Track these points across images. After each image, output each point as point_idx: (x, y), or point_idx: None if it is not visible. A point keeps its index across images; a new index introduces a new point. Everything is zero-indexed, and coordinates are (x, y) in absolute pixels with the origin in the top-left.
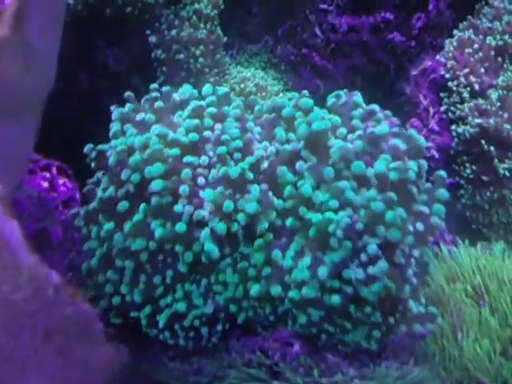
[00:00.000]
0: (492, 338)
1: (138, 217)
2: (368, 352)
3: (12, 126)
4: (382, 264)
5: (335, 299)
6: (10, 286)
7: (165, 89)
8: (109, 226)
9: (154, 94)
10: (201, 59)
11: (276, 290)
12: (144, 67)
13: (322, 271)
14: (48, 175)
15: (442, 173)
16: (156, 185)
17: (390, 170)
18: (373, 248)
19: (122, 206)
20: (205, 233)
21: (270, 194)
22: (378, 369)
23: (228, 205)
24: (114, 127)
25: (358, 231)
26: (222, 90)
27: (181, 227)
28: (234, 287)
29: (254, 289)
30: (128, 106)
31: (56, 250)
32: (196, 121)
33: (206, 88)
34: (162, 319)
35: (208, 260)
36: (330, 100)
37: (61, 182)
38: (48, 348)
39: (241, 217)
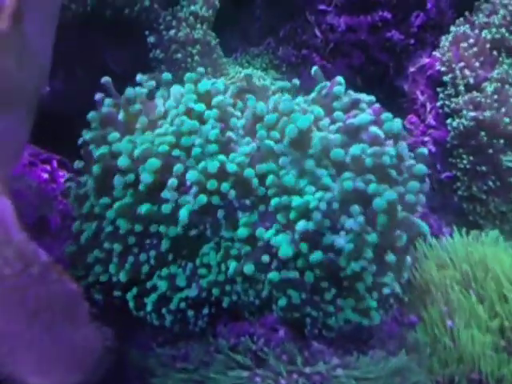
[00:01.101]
0: (482, 328)
1: (126, 199)
2: (354, 340)
3: (3, 118)
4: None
5: (317, 255)
6: (1, 261)
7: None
8: (105, 200)
9: (138, 90)
10: (196, 58)
11: (249, 268)
12: (142, 68)
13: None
14: (49, 168)
15: (424, 150)
16: (146, 177)
17: (366, 155)
18: (350, 223)
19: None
20: (184, 209)
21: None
22: (363, 358)
23: (212, 183)
24: (92, 134)
25: (334, 210)
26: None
27: (166, 208)
28: (217, 271)
29: (232, 266)
30: (107, 101)
31: (55, 237)
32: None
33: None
34: (149, 302)
35: (182, 229)
36: (313, 94)
37: (61, 174)
38: (36, 326)
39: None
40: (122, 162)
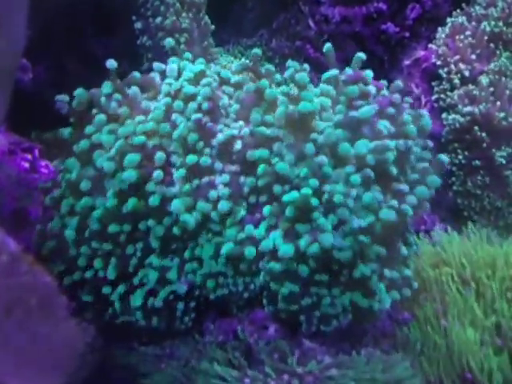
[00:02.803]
0: (477, 326)
1: (111, 202)
2: (348, 337)
3: None
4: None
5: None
6: None
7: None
8: (86, 200)
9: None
10: (182, 46)
11: (250, 251)
12: (132, 54)
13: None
14: (30, 157)
15: (444, 158)
16: (129, 175)
17: (368, 151)
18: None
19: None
20: (176, 203)
21: (242, 178)
22: (357, 357)
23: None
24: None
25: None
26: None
27: (154, 200)
28: (208, 264)
29: (227, 247)
30: (106, 85)
31: (35, 229)
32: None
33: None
34: (136, 298)
35: (183, 231)
36: (332, 72)
37: (43, 163)
38: (11, 323)
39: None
40: (107, 166)
